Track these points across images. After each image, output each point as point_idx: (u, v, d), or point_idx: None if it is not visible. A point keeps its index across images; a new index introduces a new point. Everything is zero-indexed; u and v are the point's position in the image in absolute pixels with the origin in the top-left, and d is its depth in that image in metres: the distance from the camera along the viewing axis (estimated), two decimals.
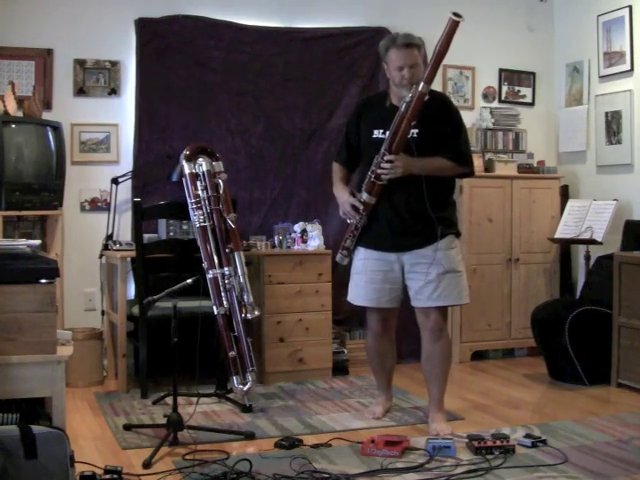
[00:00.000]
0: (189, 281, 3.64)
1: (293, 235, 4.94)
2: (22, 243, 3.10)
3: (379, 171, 3.57)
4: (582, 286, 5.28)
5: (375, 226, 3.70)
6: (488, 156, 5.52)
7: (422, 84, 3.46)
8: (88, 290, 4.93)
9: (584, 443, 3.50)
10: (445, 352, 3.75)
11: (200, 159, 4.23)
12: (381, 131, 3.66)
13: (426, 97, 3.49)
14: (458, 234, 3.78)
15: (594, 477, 3.07)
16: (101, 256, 4.87)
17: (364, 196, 3.65)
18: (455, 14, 3.36)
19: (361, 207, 3.66)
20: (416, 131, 3.58)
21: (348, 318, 5.28)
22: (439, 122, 3.64)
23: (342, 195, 3.80)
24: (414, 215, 3.62)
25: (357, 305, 3.88)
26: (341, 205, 3.78)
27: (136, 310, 4.41)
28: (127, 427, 3.72)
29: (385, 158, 3.54)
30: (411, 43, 3.59)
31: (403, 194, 3.61)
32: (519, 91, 5.88)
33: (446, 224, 3.67)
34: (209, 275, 4.07)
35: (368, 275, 3.75)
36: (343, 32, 5.33)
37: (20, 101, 4.51)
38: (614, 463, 3.22)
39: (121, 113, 4.96)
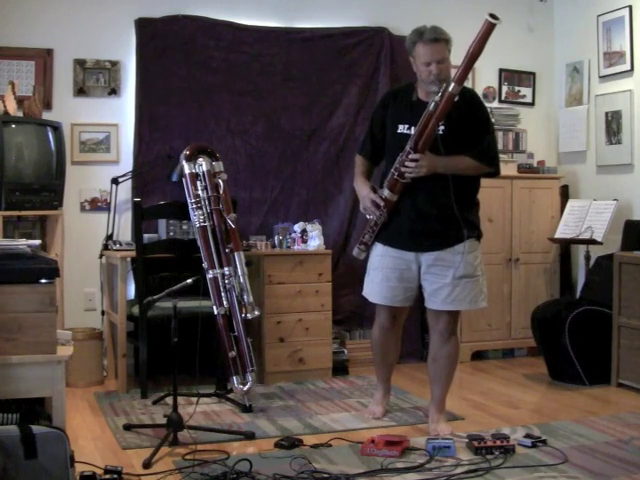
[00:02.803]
0: (189, 281, 3.64)
1: (293, 235, 4.94)
2: (22, 243, 3.09)
3: (403, 169, 3.48)
4: (582, 286, 5.27)
5: (395, 223, 3.61)
6: None
7: (453, 84, 3.36)
8: (88, 290, 4.93)
9: (584, 443, 3.50)
10: (452, 355, 3.71)
11: (200, 159, 4.23)
12: (406, 126, 3.57)
13: (456, 98, 3.41)
14: (479, 236, 3.69)
15: (594, 477, 3.07)
16: (101, 256, 4.87)
17: (385, 192, 3.57)
18: (492, 15, 3.24)
19: (382, 204, 3.58)
20: (442, 128, 3.48)
21: (348, 318, 5.28)
22: (467, 119, 3.53)
23: (362, 190, 3.70)
24: (437, 216, 3.54)
25: (372, 301, 3.81)
26: (361, 200, 3.70)
27: (136, 310, 4.41)
28: (127, 427, 3.72)
29: (410, 157, 3.45)
30: (439, 38, 3.46)
31: (427, 193, 3.53)
32: (519, 91, 5.88)
33: (469, 226, 3.58)
34: (209, 275, 4.07)
35: (384, 272, 3.68)
36: (343, 32, 5.32)
37: (20, 101, 4.51)
38: (614, 463, 3.22)
39: (121, 113, 4.96)
